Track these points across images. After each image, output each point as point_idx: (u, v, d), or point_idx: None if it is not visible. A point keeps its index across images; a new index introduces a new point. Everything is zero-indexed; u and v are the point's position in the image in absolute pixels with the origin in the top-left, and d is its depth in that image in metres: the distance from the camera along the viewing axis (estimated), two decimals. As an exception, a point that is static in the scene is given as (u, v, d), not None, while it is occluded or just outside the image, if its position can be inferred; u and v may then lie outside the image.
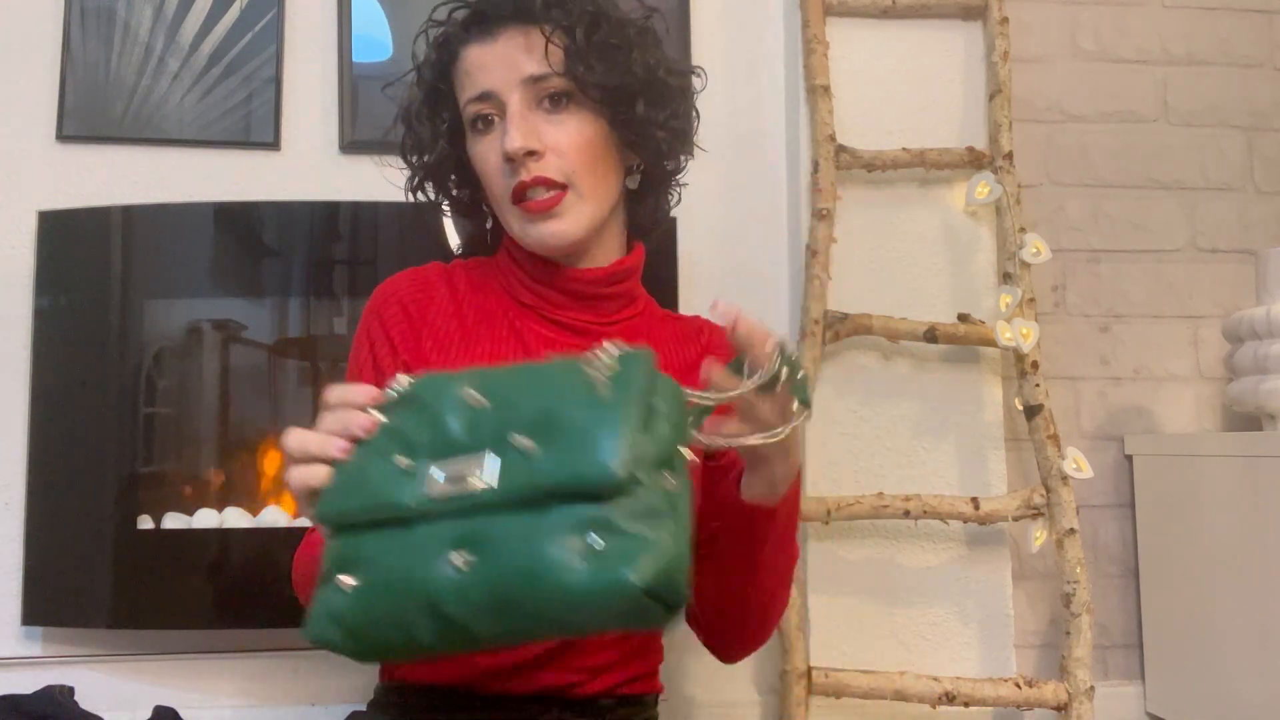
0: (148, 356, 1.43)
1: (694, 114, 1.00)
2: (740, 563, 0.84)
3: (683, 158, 0.99)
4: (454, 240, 1.30)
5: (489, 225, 1.03)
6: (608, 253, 0.97)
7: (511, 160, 0.87)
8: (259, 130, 1.53)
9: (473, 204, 1.02)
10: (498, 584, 0.56)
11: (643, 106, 0.91)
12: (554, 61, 0.87)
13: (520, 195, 0.89)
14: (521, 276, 0.96)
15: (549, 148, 0.88)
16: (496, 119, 0.90)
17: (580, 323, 0.95)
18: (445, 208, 1.03)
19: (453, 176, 1.00)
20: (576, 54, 0.87)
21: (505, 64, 0.88)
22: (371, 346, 0.94)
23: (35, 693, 1.35)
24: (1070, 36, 1.78)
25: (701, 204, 1.59)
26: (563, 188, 0.89)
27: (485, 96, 0.89)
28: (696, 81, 1.00)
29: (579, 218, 0.90)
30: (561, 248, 0.91)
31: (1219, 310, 1.77)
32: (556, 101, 0.89)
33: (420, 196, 1.01)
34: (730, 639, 0.95)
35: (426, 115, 0.95)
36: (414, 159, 0.98)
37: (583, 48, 0.87)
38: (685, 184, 1.04)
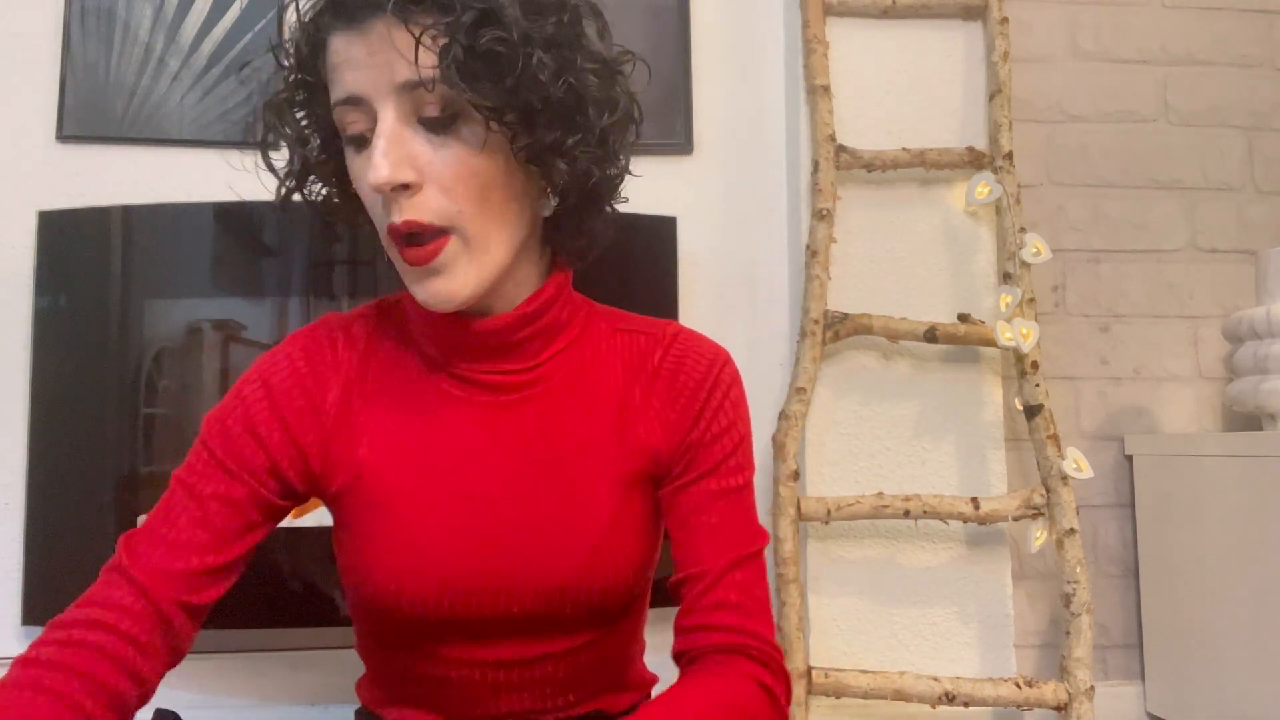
0: (148, 356, 1.43)
1: (632, 110, 0.76)
2: None
3: (619, 166, 0.78)
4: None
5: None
6: (523, 289, 0.78)
7: (379, 192, 0.69)
8: (259, 130, 1.53)
9: (361, 211, 0.82)
10: None
11: (547, 128, 0.70)
12: (427, 68, 0.66)
13: (399, 237, 0.70)
14: (422, 326, 0.79)
15: (429, 178, 0.69)
16: (367, 135, 0.70)
17: (495, 377, 0.79)
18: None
19: (334, 180, 0.81)
20: (457, 60, 0.65)
21: (376, 63, 0.68)
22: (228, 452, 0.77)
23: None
24: (1070, 36, 1.78)
25: (701, 204, 1.59)
26: (443, 233, 0.70)
27: (354, 101, 0.69)
28: (629, 67, 0.77)
29: (467, 273, 0.71)
30: (451, 308, 0.73)
31: (1219, 310, 1.77)
32: (438, 120, 0.68)
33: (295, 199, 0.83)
34: None
35: (290, 111, 0.77)
36: (284, 162, 0.80)
37: (464, 51, 0.65)
38: (625, 199, 0.82)
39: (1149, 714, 1.67)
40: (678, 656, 0.80)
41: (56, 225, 1.44)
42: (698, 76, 1.64)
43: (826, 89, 1.53)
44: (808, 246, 1.51)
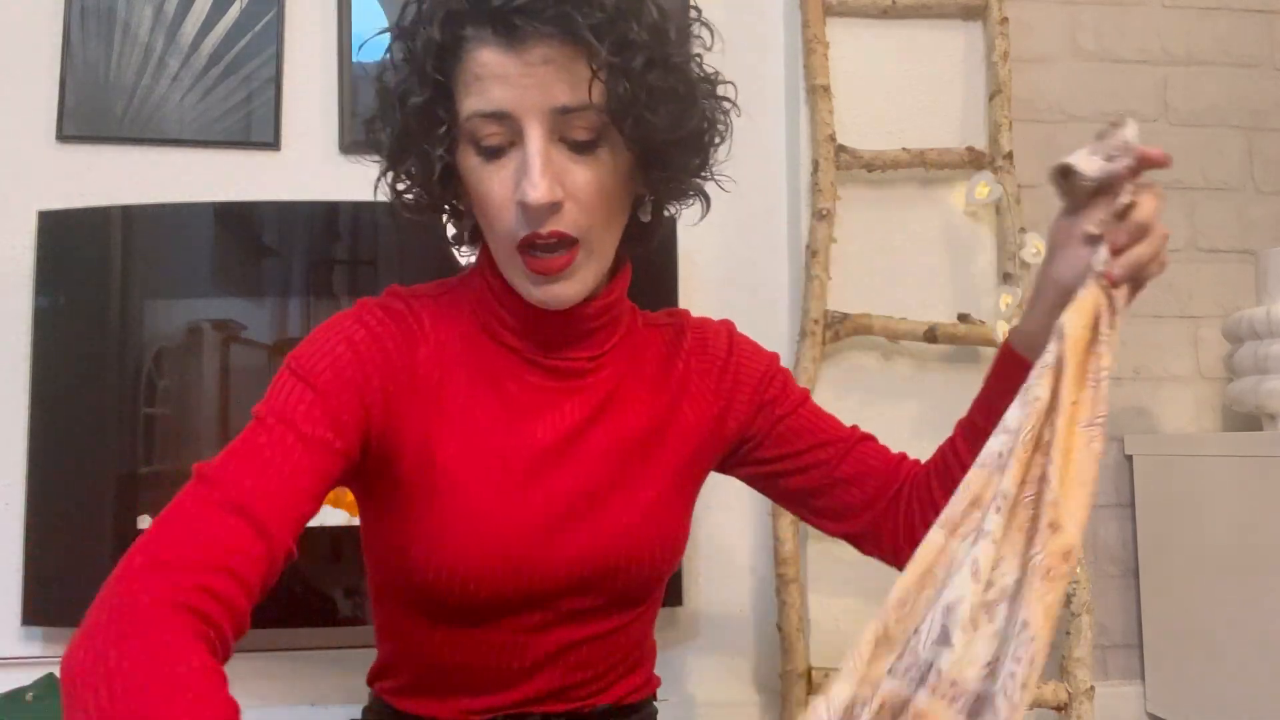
0: (148, 356, 1.43)
1: (727, 131, 0.86)
2: None
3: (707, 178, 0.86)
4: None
5: (466, 230, 0.86)
6: (600, 281, 0.82)
7: (527, 208, 0.72)
8: (259, 130, 1.53)
9: (454, 209, 0.84)
10: None
11: (680, 157, 0.78)
12: (598, 99, 0.70)
13: (528, 247, 0.74)
14: (505, 318, 0.82)
15: (569, 195, 0.73)
16: (508, 145, 0.73)
17: (565, 363, 0.83)
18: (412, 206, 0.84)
19: (430, 185, 0.80)
20: (628, 95, 0.70)
21: (532, 85, 0.70)
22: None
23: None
24: (1070, 36, 1.78)
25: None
26: (575, 243, 0.74)
27: (500, 117, 0.71)
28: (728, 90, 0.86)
29: (586, 277, 0.77)
30: (564, 307, 0.78)
31: (1219, 310, 1.77)
32: (584, 143, 0.73)
33: (395, 198, 0.83)
34: None
35: (419, 112, 0.75)
36: (403, 165, 0.79)
37: (638, 89, 0.71)
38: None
39: (1149, 714, 1.67)
40: (889, 499, 0.92)
41: (56, 225, 1.44)
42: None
43: (826, 89, 1.53)
44: (808, 246, 1.51)
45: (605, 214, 0.75)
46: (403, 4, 0.75)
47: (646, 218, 0.83)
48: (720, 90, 0.83)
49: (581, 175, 0.73)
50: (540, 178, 0.70)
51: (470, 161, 0.75)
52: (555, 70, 0.70)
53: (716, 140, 0.82)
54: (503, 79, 0.71)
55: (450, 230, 0.87)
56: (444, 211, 0.84)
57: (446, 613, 0.81)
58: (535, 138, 0.71)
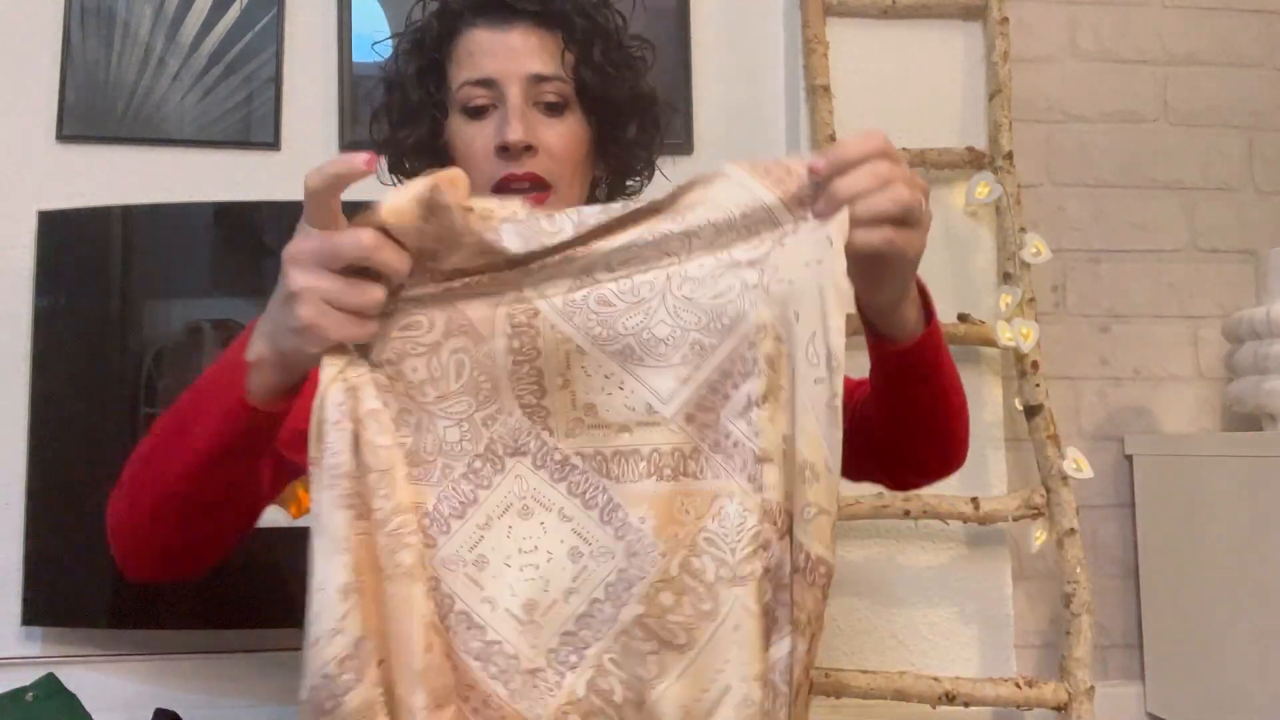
0: (148, 356, 1.43)
1: (657, 96, 1.01)
2: (920, 400, 0.85)
3: (641, 180, 1.01)
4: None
5: None
6: None
7: (506, 150, 0.87)
8: (259, 130, 1.53)
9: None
10: None
11: (633, 129, 0.95)
12: (566, 67, 0.89)
13: (505, 187, 0.88)
14: None
15: (542, 146, 0.88)
16: (490, 107, 0.90)
17: None
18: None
19: (423, 159, 0.97)
20: (590, 65, 0.90)
21: (513, 56, 0.88)
22: None
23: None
24: (1070, 36, 1.78)
25: (701, 204, 1.59)
26: (548, 188, 0.89)
27: (486, 83, 0.89)
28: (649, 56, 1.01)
29: None
30: None
31: (1219, 310, 1.77)
32: (554, 105, 0.90)
33: (393, 178, 0.97)
34: (927, 455, 0.92)
35: (419, 84, 0.93)
36: (401, 132, 0.95)
37: (598, 61, 0.90)
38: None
39: (1149, 714, 1.67)
40: None
41: (56, 225, 1.44)
42: (698, 76, 1.64)
43: (826, 89, 1.53)
44: (808, 246, 1.51)
45: (572, 168, 0.91)
46: (409, 8, 0.96)
47: (602, 196, 0.98)
48: (661, 98, 1.00)
49: (552, 131, 0.89)
50: (518, 123, 0.87)
51: (458, 124, 0.91)
52: (533, 46, 0.89)
53: (660, 119, 0.98)
54: (490, 53, 0.89)
55: None
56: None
57: None
58: (514, 95, 0.88)
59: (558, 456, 0.67)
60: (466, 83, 0.89)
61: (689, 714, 0.63)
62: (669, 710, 0.64)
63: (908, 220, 0.67)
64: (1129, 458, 1.72)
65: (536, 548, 0.66)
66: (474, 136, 0.90)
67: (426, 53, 0.93)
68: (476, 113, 0.90)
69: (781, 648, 0.65)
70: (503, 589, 0.66)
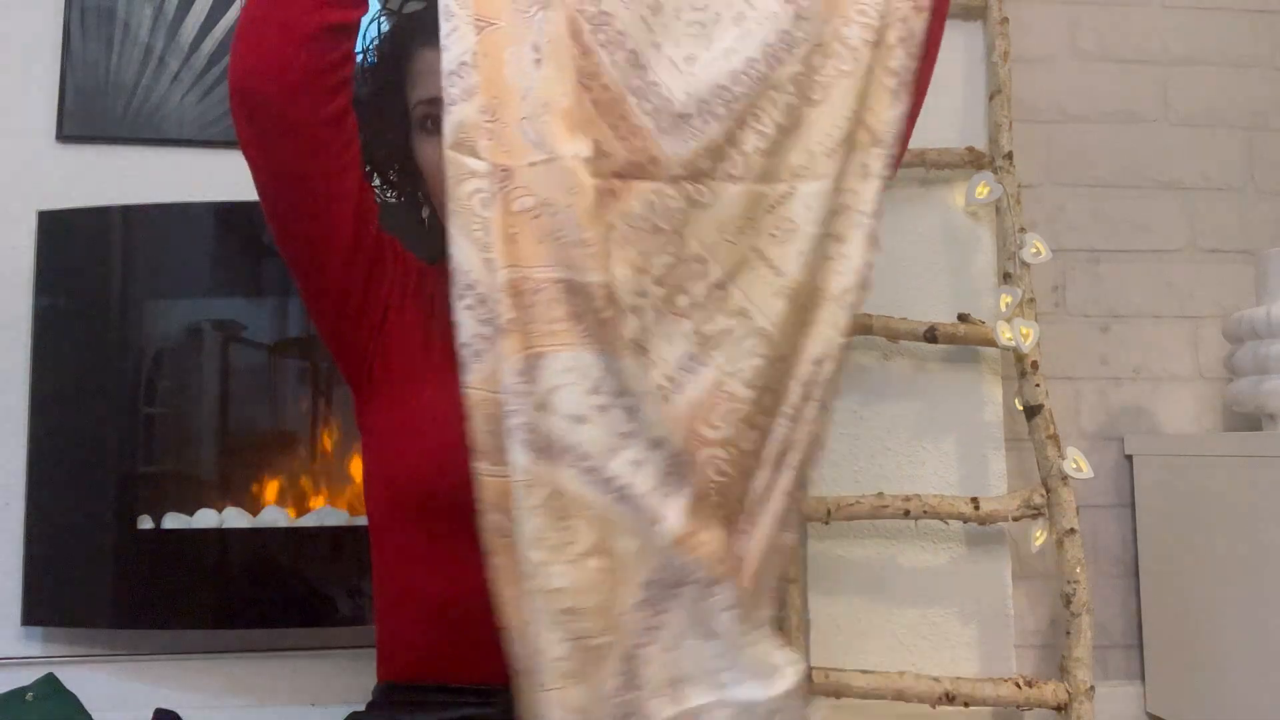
0: (148, 357, 1.43)
1: None
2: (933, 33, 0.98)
3: None
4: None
5: (425, 216, 1.06)
6: None
7: None
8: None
9: (411, 197, 1.05)
10: None
11: None
12: None
13: None
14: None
15: None
16: None
17: None
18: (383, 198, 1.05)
19: (394, 168, 1.03)
20: None
21: None
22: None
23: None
24: (1070, 36, 1.78)
25: (701, 204, 1.59)
26: None
27: (438, 101, 0.88)
28: None
29: None
30: None
31: (1219, 310, 1.77)
32: None
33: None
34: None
35: (377, 105, 0.97)
36: (372, 144, 0.99)
37: None
38: None
39: (1149, 714, 1.67)
40: None
41: (56, 225, 1.44)
42: (698, 76, 1.63)
43: (826, 89, 1.53)
44: (808, 246, 1.51)
45: None
46: (364, 33, 0.96)
47: None
48: None
49: None
50: None
51: (419, 139, 0.96)
52: None
53: None
54: (439, 72, 0.91)
55: (424, 212, 1.05)
56: (416, 200, 1.03)
57: (443, 517, 0.85)
58: None
59: None
60: (420, 101, 0.94)
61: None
62: None
63: None
64: (1129, 458, 1.72)
65: (707, 6, 0.75)
66: (434, 151, 0.91)
67: (381, 75, 0.98)
68: (435, 128, 0.92)
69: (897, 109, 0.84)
70: (668, 39, 0.74)
